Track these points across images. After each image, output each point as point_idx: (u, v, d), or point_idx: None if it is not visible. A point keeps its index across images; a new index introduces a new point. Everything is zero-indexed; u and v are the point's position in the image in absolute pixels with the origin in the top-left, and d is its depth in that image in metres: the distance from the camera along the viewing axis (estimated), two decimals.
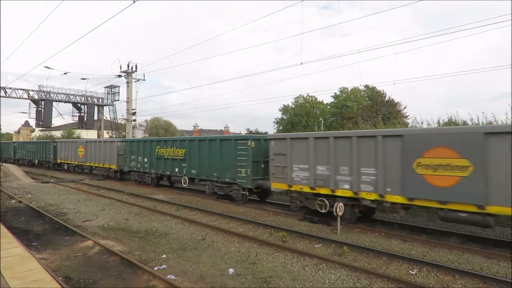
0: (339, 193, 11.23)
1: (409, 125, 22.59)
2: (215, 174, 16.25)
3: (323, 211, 11.70)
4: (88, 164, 28.13)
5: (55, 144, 34.11)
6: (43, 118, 38.76)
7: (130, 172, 23.10)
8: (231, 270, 7.50)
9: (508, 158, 8.06)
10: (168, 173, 19.63)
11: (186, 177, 18.09)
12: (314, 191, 11.93)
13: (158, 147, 20.15)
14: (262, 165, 14.89)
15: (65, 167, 32.12)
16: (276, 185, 13.31)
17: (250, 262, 8.14)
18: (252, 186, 14.61)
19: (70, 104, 42.03)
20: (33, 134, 77.00)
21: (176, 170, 18.83)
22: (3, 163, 35.26)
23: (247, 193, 15.05)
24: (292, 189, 12.70)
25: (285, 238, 9.86)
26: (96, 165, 26.92)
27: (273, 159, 13.30)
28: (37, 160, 37.85)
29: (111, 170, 25.37)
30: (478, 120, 15.34)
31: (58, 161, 33.13)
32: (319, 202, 11.79)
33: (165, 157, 19.57)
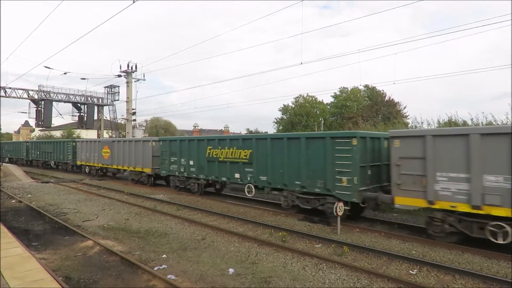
0: None
1: (409, 125, 22.59)
2: (297, 183, 12.74)
3: (500, 241, 8.35)
4: (114, 167, 24.67)
5: (74, 143, 30.70)
6: (43, 118, 38.78)
7: (168, 177, 19.80)
8: (231, 270, 7.50)
9: None
10: (224, 179, 15.87)
11: (251, 184, 14.34)
12: (480, 212, 8.60)
13: (210, 147, 16.52)
14: (369, 172, 11.54)
15: (86, 170, 28.35)
16: (405, 201, 9.93)
17: (250, 262, 8.14)
18: (358, 199, 11.01)
19: (70, 104, 42.06)
20: (33, 134, 76.94)
21: (237, 176, 15.07)
22: (3, 163, 35.15)
23: (349, 207, 11.23)
24: (436, 206, 9.37)
25: (285, 238, 9.86)
26: (125, 168, 23.50)
27: (400, 164, 9.94)
28: (53, 162, 34.49)
29: (144, 174, 21.84)
30: (478, 120, 15.36)
31: (78, 163, 29.47)
32: (493, 228, 8.49)
33: (220, 159, 15.92)
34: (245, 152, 14.76)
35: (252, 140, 14.69)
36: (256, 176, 14.27)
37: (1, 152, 42.42)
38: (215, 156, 16.23)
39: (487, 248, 8.84)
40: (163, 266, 7.79)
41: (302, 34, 19.15)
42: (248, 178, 14.57)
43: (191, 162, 17.72)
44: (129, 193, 18.77)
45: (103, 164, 26.05)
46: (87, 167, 28.34)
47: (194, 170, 17.62)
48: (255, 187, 14.36)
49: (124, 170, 24.20)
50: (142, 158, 21.67)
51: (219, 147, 16.00)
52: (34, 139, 51.04)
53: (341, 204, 10.70)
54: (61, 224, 11.75)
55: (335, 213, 10.63)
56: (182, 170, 18.37)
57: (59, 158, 32.86)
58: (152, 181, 21.65)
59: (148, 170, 21.25)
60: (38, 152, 37.56)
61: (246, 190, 14.59)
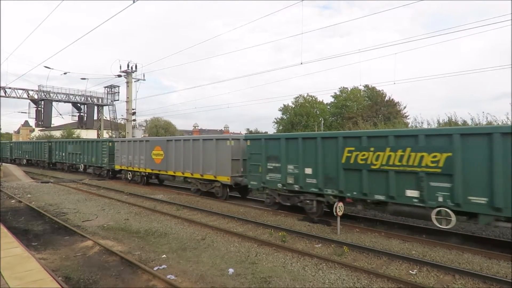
0: None
1: (409, 125, 22.60)
2: None
3: None
4: (170, 173, 19.55)
5: (110, 144, 25.60)
6: (43, 118, 38.80)
7: (263, 189, 14.46)
8: (231, 270, 7.50)
9: None
10: (380, 197, 10.43)
11: (446, 209, 9.13)
12: None
13: (351, 148, 11.07)
14: None
15: (128, 176, 23.42)
16: None
17: (250, 262, 8.13)
18: None
19: (70, 104, 42.07)
20: (32, 134, 76.93)
21: (412, 193, 9.74)
22: (3, 163, 34.98)
23: None
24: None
25: (285, 238, 9.86)
26: (188, 175, 18.23)
27: None
28: (82, 165, 29.34)
29: (217, 184, 16.62)
30: (478, 120, 15.37)
31: (117, 167, 24.39)
32: None
33: (374, 167, 10.45)
34: (434, 157, 9.31)
35: (453, 137, 9.01)
36: (459, 195, 8.86)
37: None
38: (361, 162, 10.77)
39: (487, 248, 8.85)
40: (163, 266, 7.78)
41: (302, 34, 19.09)
42: (440, 198, 9.25)
43: (308, 171, 12.22)
44: (129, 193, 18.75)
45: (152, 170, 20.96)
46: (129, 172, 23.25)
47: (315, 182, 12.01)
48: (456, 212, 9.08)
49: (185, 178, 18.79)
50: (215, 163, 16.38)
51: (372, 149, 10.56)
52: (60, 138, 45.71)
53: (341, 204, 10.68)
54: (61, 224, 11.75)
55: (335, 213, 10.62)
56: (290, 181, 12.80)
57: (91, 161, 27.59)
58: (227, 192, 16.64)
59: (224, 179, 16.04)
60: (63, 154, 32.18)
61: (433, 217, 9.35)
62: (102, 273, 7.42)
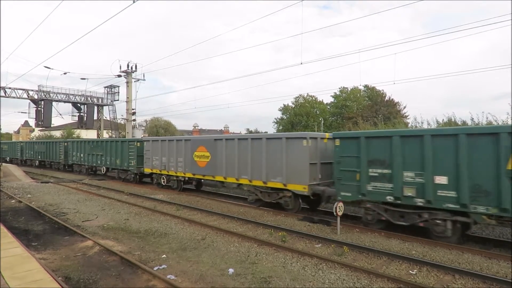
0: None
1: (409, 125, 22.59)
2: None
3: None
4: (218, 178, 16.23)
5: (138, 144, 22.23)
6: (43, 118, 38.81)
7: (360, 202, 11.06)
8: (231, 270, 7.50)
9: None
10: None
11: None
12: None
13: None
14: None
15: (162, 181, 20.16)
16: None
17: (250, 262, 8.13)
18: None
19: (70, 104, 42.07)
20: (32, 134, 76.95)
21: None
22: (2, 163, 34.92)
23: None
24: None
25: (285, 238, 9.86)
26: (243, 181, 14.92)
27: None
28: (104, 168, 26.21)
29: (287, 194, 13.32)
30: (478, 120, 15.36)
31: (147, 170, 21.17)
32: None
33: None
34: None
35: None
36: None
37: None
38: None
39: (487, 248, 8.86)
40: (163, 266, 7.78)
41: (302, 34, 19.07)
42: None
43: (440, 180, 9.28)
44: (129, 193, 18.75)
45: (194, 174, 17.70)
46: (162, 177, 20.07)
47: (454, 196, 9.06)
48: None
49: (240, 185, 15.52)
50: (284, 167, 13.18)
51: None
52: (78, 139, 41.44)
53: (341, 204, 10.69)
54: (61, 224, 11.75)
55: (335, 213, 10.62)
56: (408, 193, 9.85)
57: (115, 164, 24.58)
58: (300, 204, 13.46)
59: (298, 188, 12.80)
60: (81, 155, 29.09)
61: None
62: (102, 273, 7.42)
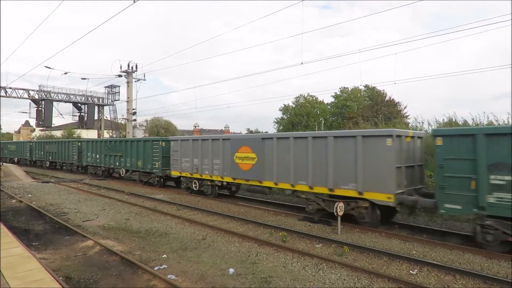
0: None
1: (409, 125, 22.58)
2: None
3: None
4: (268, 184, 13.70)
5: (163, 143, 20.06)
6: (43, 118, 38.79)
7: (481, 219, 8.82)
8: (231, 270, 7.50)
9: None
10: None
11: None
12: None
13: None
14: None
15: (194, 186, 17.59)
16: None
17: (250, 262, 8.13)
18: None
19: (71, 104, 42.09)
20: (33, 134, 77.06)
21: None
22: (3, 163, 34.87)
23: None
24: None
25: (285, 238, 9.85)
26: (303, 188, 12.45)
27: None
28: (123, 170, 23.65)
29: (365, 203, 10.85)
30: (479, 120, 15.34)
31: (174, 173, 18.85)
32: None
33: None
34: None
35: None
36: None
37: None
38: None
39: (487, 249, 8.84)
40: (164, 266, 7.78)
41: (302, 34, 19.06)
42: None
43: None
44: (130, 193, 18.75)
45: (235, 178, 15.24)
46: (194, 181, 17.49)
47: None
48: None
49: (295, 192, 12.84)
50: (361, 172, 10.81)
51: None
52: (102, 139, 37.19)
53: (341, 204, 10.68)
54: (62, 224, 11.76)
55: (335, 213, 10.61)
56: None
57: (136, 166, 22.33)
58: (378, 217, 11.04)
59: (380, 197, 10.41)
60: (97, 156, 26.88)
61: None
62: (102, 273, 7.42)
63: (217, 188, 16.79)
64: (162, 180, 20.86)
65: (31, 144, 40.66)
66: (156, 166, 20.48)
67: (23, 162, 41.45)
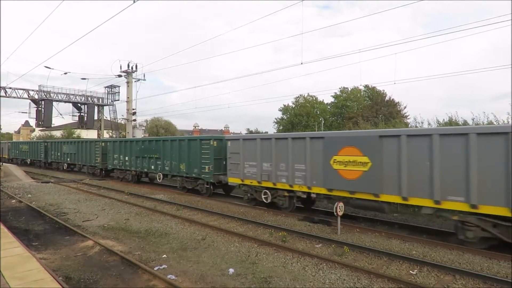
0: None
1: (409, 125, 22.59)
2: None
3: None
4: (390, 199, 10.30)
5: (214, 143, 17.02)
6: (43, 118, 38.73)
7: None
8: (231, 270, 7.50)
9: None
10: None
11: None
12: None
13: None
14: None
15: (264, 197, 14.09)
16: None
17: (250, 262, 8.14)
18: None
19: (70, 104, 42.05)
20: (33, 134, 77.08)
21: None
22: (3, 163, 34.78)
23: None
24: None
25: (285, 238, 9.85)
26: (455, 206, 8.93)
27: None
28: (160, 175, 20.51)
29: None
30: (479, 120, 15.34)
31: (232, 180, 15.56)
32: None
33: None
34: None
35: None
36: None
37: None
38: None
39: (487, 249, 8.84)
40: (163, 266, 7.78)
41: (302, 34, 19.07)
42: None
43: None
44: (129, 193, 18.75)
45: (331, 190, 11.72)
46: (264, 191, 14.05)
47: None
48: None
49: (438, 210, 9.57)
50: None
51: None
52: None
53: (341, 204, 10.69)
54: (61, 224, 11.75)
55: (335, 213, 10.61)
56: None
57: (177, 170, 19.05)
58: None
59: None
60: (125, 157, 23.62)
61: None
62: (102, 273, 7.42)
63: (295, 200, 13.49)
64: (211, 187, 17.46)
65: (46, 144, 36.92)
66: (206, 171, 17.10)
67: (37, 164, 38.12)
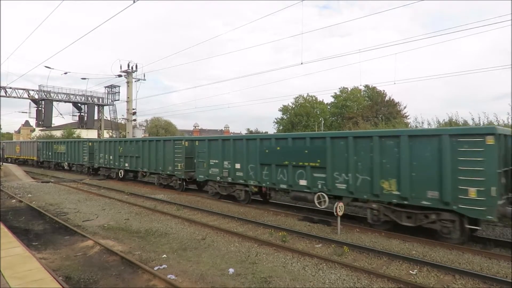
0: None
1: (409, 125, 22.60)
2: None
3: None
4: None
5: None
6: (43, 118, 38.74)
7: None
8: (231, 270, 7.50)
9: None
10: None
11: None
12: None
13: None
14: None
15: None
16: None
17: (250, 262, 8.14)
18: None
19: (71, 104, 42.05)
20: (33, 134, 77.10)
21: None
22: (3, 163, 34.75)
23: None
24: None
25: (285, 238, 9.86)
26: None
27: None
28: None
29: None
30: (479, 120, 15.36)
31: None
32: None
33: None
34: None
35: None
36: None
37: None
38: None
39: (487, 248, 8.86)
40: (163, 266, 7.79)
41: (302, 34, 19.09)
42: None
43: None
44: (130, 193, 18.76)
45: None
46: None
47: None
48: None
49: None
50: None
51: None
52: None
53: (341, 204, 10.69)
54: (61, 224, 11.75)
55: (335, 213, 10.61)
56: None
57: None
58: None
59: None
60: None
61: None
62: (102, 272, 7.42)
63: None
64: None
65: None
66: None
67: (78, 169, 30.45)
